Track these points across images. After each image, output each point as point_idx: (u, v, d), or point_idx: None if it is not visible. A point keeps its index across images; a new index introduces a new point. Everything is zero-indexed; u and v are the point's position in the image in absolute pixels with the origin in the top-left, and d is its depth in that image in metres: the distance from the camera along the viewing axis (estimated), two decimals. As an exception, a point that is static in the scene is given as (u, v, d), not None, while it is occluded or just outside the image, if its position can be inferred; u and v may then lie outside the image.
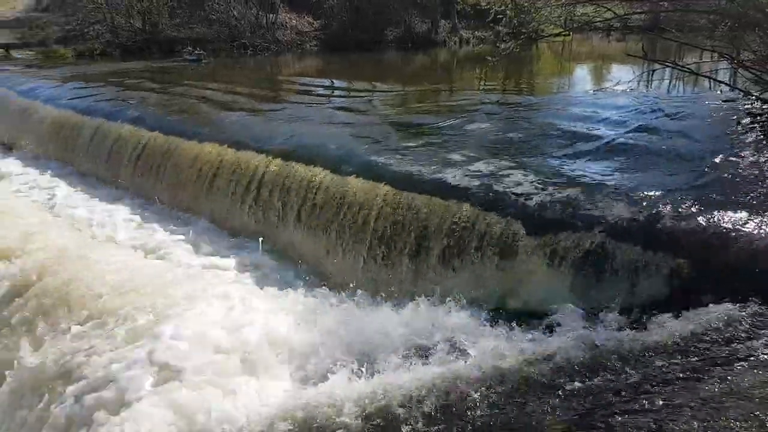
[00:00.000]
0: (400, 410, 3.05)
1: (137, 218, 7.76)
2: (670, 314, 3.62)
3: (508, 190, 4.93)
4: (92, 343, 4.02)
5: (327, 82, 16.31)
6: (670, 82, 11.26)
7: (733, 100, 7.76)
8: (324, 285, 5.21)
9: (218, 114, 9.47)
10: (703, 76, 8.48)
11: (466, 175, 5.32)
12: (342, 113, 9.32)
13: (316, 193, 6.11)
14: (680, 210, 4.21)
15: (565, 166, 5.43)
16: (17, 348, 4.24)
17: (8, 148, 12.49)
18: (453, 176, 5.37)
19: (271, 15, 30.42)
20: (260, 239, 6.47)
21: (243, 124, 8.72)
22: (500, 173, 5.31)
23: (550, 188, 4.84)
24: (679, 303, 3.71)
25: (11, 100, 13.58)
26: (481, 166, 5.58)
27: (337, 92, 14.09)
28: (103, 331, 4.17)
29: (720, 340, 3.22)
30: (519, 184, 5.02)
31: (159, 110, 10.15)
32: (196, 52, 23.27)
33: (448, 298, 4.35)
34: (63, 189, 9.25)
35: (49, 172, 10.23)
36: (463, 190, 5.09)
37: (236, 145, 7.50)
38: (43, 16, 28.03)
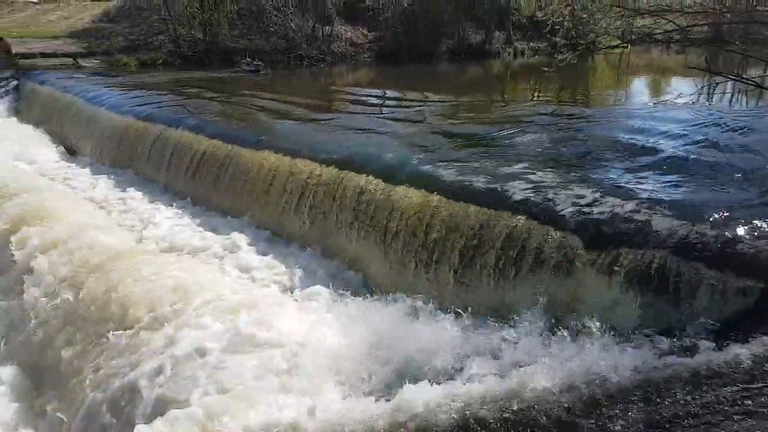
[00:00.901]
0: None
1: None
2: (739, 337, 3.46)
3: (566, 202, 4.83)
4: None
5: (380, 93, 16.49)
6: (733, 96, 10.83)
7: (799, 115, 7.40)
8: (378, 293, 5.26)
9: (275, 123, 9.72)
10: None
11: (522, 187, 5.24)
12: (394, 123, 9.41)
13: (368, 202, 6.17)
14: (750, 229, 4.03)
15: (625, 180, 5.28)
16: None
17: (73, 152, 13.20)
18: (507, 187, 5.30)
19: (327, 27, 31.03)
20: (314, 245, 6.60)
21: (298, 133, 8.93)
22: (557, 186, 5.21)
23: (611, 202, 4.71)
24: (750, 326, 3.54)
25: (79, 107, 14.36)
26: (536, 177, 5.49)
27: (389, 102, 14.22)
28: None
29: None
30: (578, 197, 4.90)
31: (218, 118, 10.51)
32: (254, 62, 23.97)
33: (502, 312, 4.30)
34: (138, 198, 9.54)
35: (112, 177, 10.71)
36: (518, 201, 5.01)
37: (292, 153, 7.66)
38: (109, 26, 29.47)
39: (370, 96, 15.44)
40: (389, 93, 16.51)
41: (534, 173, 5.60)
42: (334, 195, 6.58)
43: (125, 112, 12.11)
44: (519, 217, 4.83)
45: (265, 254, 6.77)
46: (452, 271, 5.07)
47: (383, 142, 7.76)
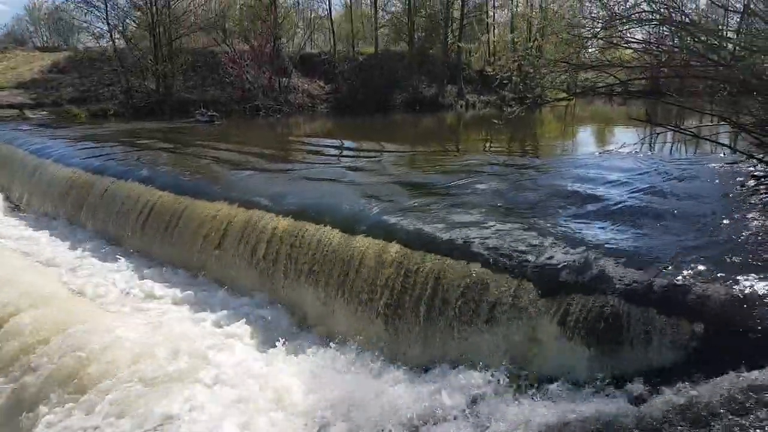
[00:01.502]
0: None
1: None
2: (686, 382, 3.52)
3: (519, 250, 4.91)
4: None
5: (337, 143, 16.66)
6: (672, 145, 11.43)
7: (735, 163, 7.85)
8: (332, 344, 5.14)
9: (229, 173, 9.62)
10: (704, 139, 8.62)
11: (476, 235, 5.31)
12: (352, 173, 9.46)
13: (326, 252, 6.10)
14: (693, 273, 4.17)
15: (575, 228, 5.43)
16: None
17: (16, 206, 12.66)
18: (462, 236, 5.36)
19: (284, 79, 31.50)
20: (267, 297, 6.44)
21: (254, 184, 8.84)
22: (509, 234, 5.30)
23: (561, 250, 4.82)
24: (696, 370, 3.61)
25: (21, 158, 13.87)
26: (489, 226, 5.57)
27: (346, 152, 14.36)
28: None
29: (740, 410, 3.10)
30: (531, 245, 4.99)
31: (171, 170, 10.32)
32: (208, 113, 23.94)
33: (460, 364, 4.25)
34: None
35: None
36: (473, 250, 5.06)
37: (247, 204, 7.55)
38: (59, 77, 29.04)
39: (328, 146, 15.58)
40: (346, 143, 16.71)
41: (488, 222, 5.69)
42: (291, 245, 6.49)
43: (73, 164, 11.78)
44: (473, 265, 4.87)
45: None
46: (414, 322, 5.02)
47: (341, 192, 7.77)
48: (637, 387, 3.76)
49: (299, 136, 20.53)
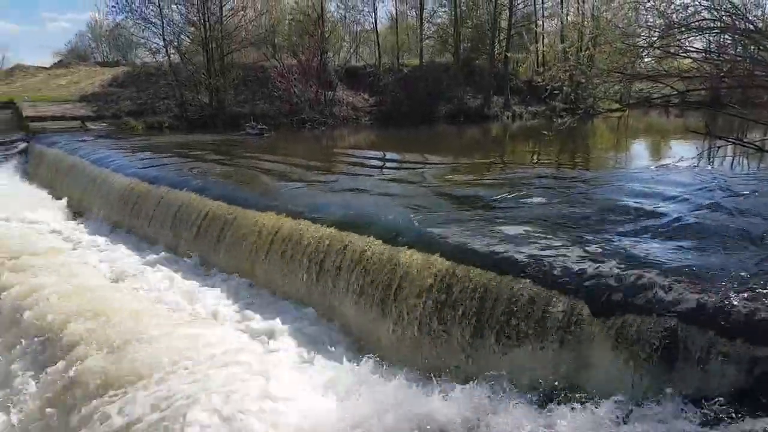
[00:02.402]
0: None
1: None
2: (747, 408, 3.30)
3: (569, 267, 4.74)
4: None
5: (380, 155, 16.73)
6: (734, 159, 10.92)
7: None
8: (374, 358, 5.10)
9: (277, 184, 9.78)
10: (770, 152, 8.19)
11: (524, 250, 5.17)
12: (394, 184, 9.45)
13: (367, 263, 6.08)
14: (756, 295, 3.91)
15: (629, 245, 5.21)
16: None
17: (78, 213, 13.22)
18: (509, 250, 5.23)
19: (330, 92, 31.96)
20: (311, 305, 6.49)
21: (299, 194, 8.96)
22: (559, 249, 5.14)
23: (615, 267, 4.62)
24: (758, 396, 3.38)
25: (82, 168, 14.52)
26: (538, 240, 5.43)
27: (389, 164, 14.39)
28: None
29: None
30: (581, 261, 4.82)
31: (222, 180, 10.58)
32: (258, 126, 24.48)
33: (505, 382, 4.13)
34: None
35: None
36: (521, 265, 4.93)
37: (293, 213, 7.64)
38: (117, 91, 30.34)
39: (371, 158, 15.65)
40: (389, 155, 16.76)
41: (536, 236, 5.55)
42: (335, 255, 6.51)
43: (130, 173, 12.23)
44: (521, 280, 4.73)
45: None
46: (458, 337, 4.92)
47: (384, 203, 7.76)
48: (693, 411, 3.54)
49: (343, 148, 20.74)
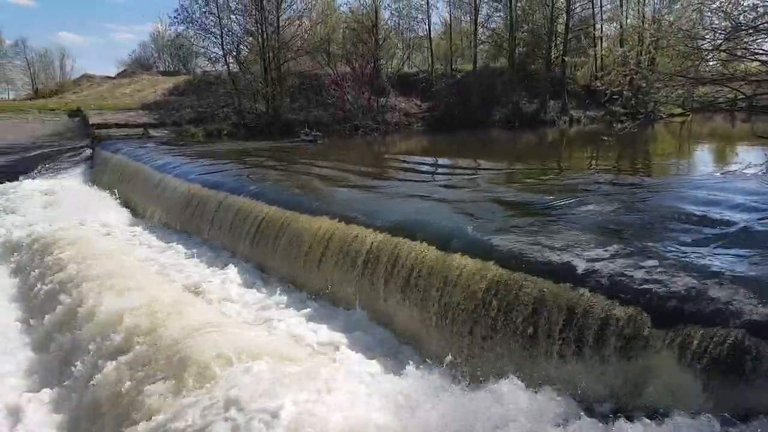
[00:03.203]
0: None
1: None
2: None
3: (630, 276, 4.61)
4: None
5: (432, 160, 16.71)
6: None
7: None
8: (427, 362, 5.10)
9: (330, 189, 9.93)
10: None
11: (583, 258, 5.06)
12: (446, 190, 9.43)
13: (421, 268, 6.09)
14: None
15: (694, 254, 5.00)
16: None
17: (140, 216, 13.84)
18: (566, 258, 5.12)
19: (382, 99, 32.25)
20: (364, 310, 6.54)
21: (352, 199, 9.07)
22: (619, 257, 4.99)
23: (678, 276, 4.46)
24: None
25: (145, 173, 15.20)
26: (598, 248, 5.28)
27: (441, 169, 14.35)
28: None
29: None
30: (642, 270, 4.67)
31: (278, 186, 10.83)
32: (312, 133, 24.97)
33: (565, 393, 4.05)
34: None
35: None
36: (578, 273, 4.83)
37: (346, 218, 7.74)
38: (178, 99, 31.62)
39: (423, 163, 15.66)
40: (441, 160, 16.71)
41: (594, 244, 5.40)
42: (387, 260, 6.55)
43: (191, 179, 12.70)
44: (579, 289, 4.63)
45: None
46: (512, 345, 4.87)
47: (436, 209, 7.75)
48: (764, 428, 3.38)
49: (395, 154, 20.83)
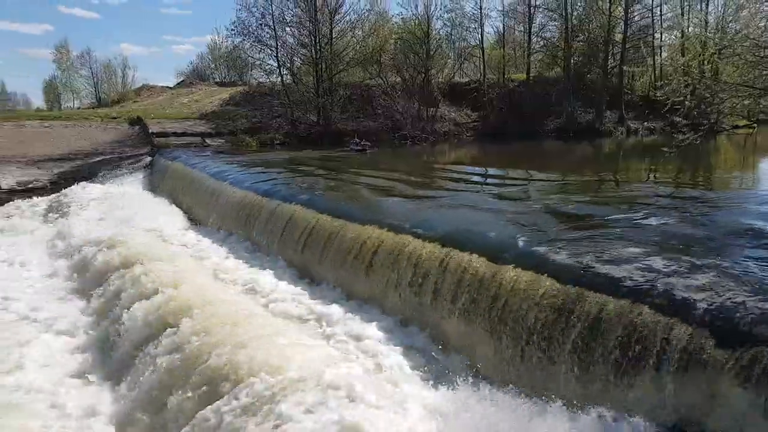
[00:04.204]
0: None
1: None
2: None
3: (691, 293, 4.41)
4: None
5: (482, 171, 16.55)
6: None
7: None
8: (475, 377, 5.03)
9: (379, 199, 9.97)
10: None
11: (640, 273, 4.88)
12: (497, 200, 9.31)
13: (471, 280, 6.02)
14: None
15: (757, 270, 4.76)
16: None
17: (197, 222, 14.27)
18: (624, 273, 4.95)
19: (432, 109, 32.23)
20: (411, 319, 6.52)
21: (401, 209, 9.08)
22: (680, 273, 4.79)
23: (743, 294, 4.24)
24: None
25: (202, 181, 15.70)
26: (655, 263, 5.09)
27: (491, 180, 14.19)
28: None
29: None
30: (704, 287, 4.47)
31: (328, 194, 10.97)
32: (361, 143, 25.19)
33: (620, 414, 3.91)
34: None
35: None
36: (637, 289, 4.66)
37: (395, 228, 7.75)
38: (234, 109, 32.56)
39: (473, 174, 15.54)
40: (492, 171, 16.52)
41: (653, 259, 5.21)
42: (437, 271, 6.51)
43: (246, 187, 13.04)
44: (638, 306, 4.47)
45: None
46: (566, 362, 4.74)
47: (486, 220, 7.67)
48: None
49: (444, 164, 20.74)
